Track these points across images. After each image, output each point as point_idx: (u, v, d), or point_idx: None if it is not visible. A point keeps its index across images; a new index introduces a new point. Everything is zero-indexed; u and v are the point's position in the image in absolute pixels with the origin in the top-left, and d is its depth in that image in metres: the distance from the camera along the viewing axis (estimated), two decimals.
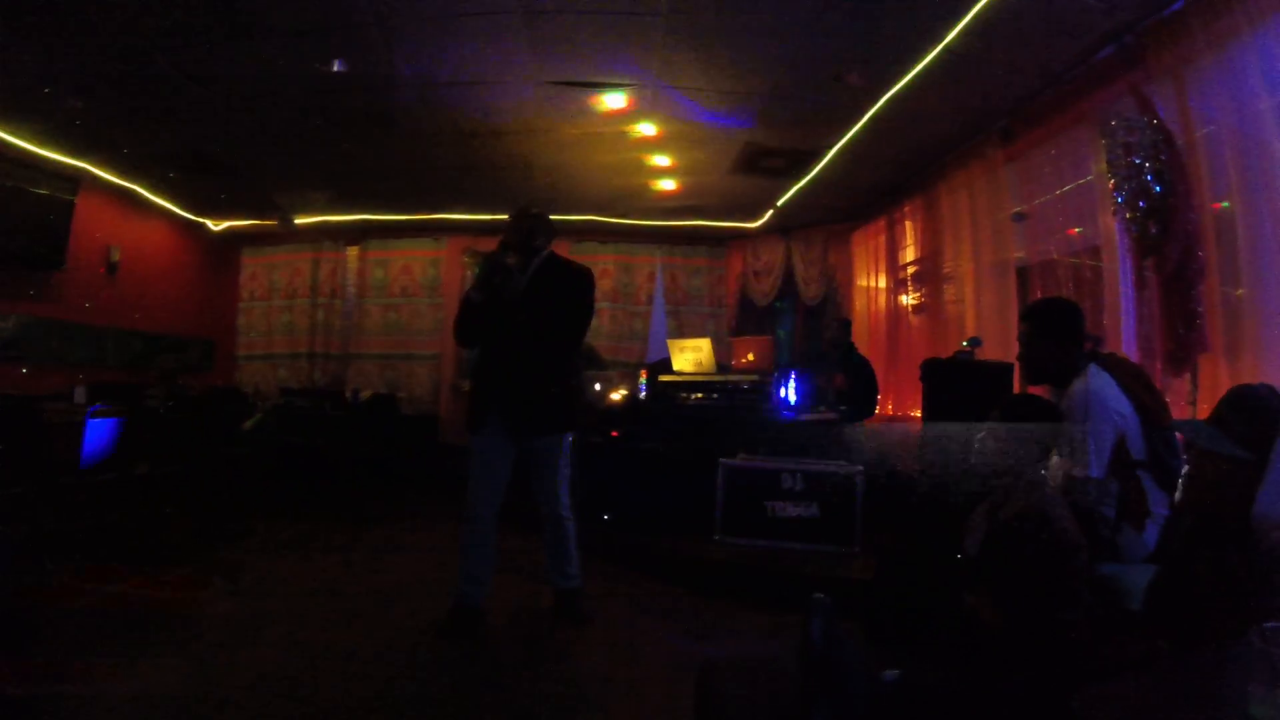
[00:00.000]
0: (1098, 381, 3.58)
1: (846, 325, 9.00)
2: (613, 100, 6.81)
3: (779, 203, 9.91)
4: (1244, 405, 2.46)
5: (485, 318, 4.92)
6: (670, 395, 8.01)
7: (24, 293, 8.52)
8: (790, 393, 7.33)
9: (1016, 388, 5.21)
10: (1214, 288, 4.53)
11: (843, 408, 7.53)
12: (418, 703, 3.81)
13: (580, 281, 5.10)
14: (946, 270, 7.91)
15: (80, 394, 7.15)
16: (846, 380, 8.08)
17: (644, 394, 8.50)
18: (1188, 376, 4.66)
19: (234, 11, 5.39)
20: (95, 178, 9.05)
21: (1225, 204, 4.55)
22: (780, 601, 5.24)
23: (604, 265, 11.70)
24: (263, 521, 7.67)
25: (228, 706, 3.65)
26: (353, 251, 12.04)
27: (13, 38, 5.69)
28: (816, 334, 10.94)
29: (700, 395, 7.81)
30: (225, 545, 6.83)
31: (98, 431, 6.03)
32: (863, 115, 6.85)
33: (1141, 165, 4.74)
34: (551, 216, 5.22)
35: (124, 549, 6.19)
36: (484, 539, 4.88)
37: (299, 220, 11.24)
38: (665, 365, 8.61)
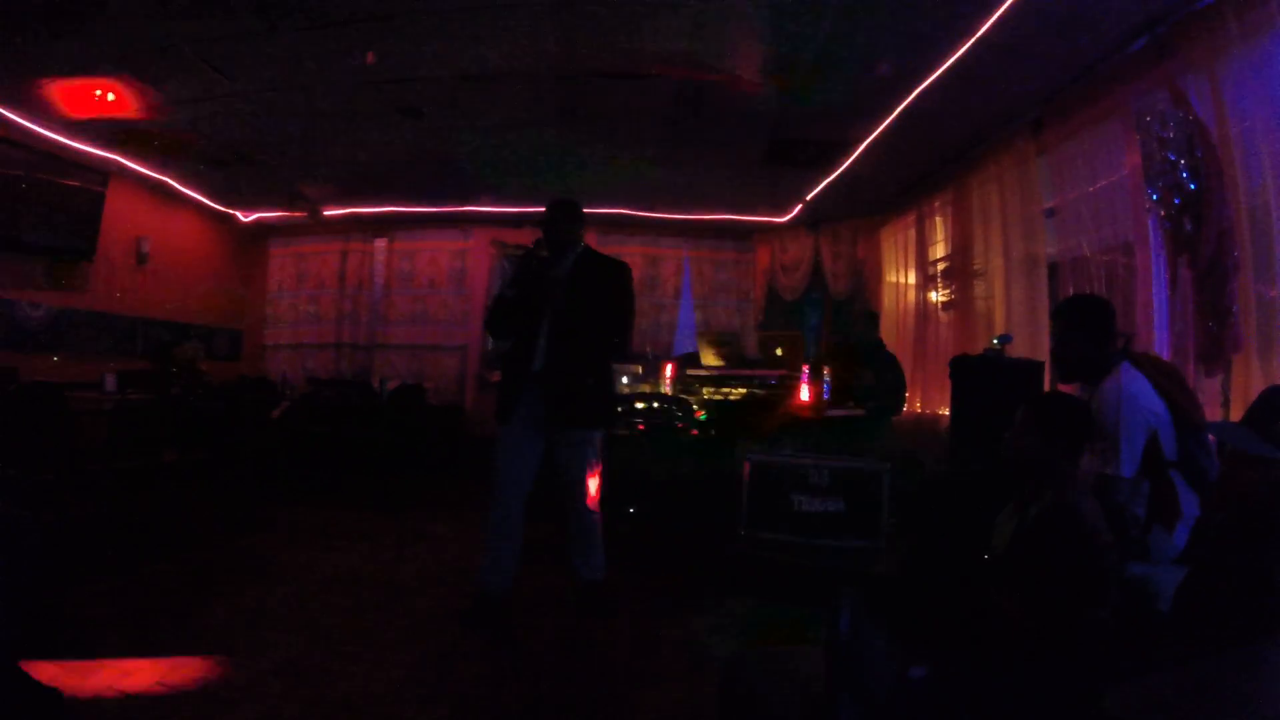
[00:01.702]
0: (1130, 380, 3.54)
1: (874, 318, 8.95)
2: (641, 90, 6.80)
3: (808, 196, 9.86)
4: (1278, 406, 2.42)
5: (519, 312, 4.95)
6: (697, 388, 8.00)
7: (55, 283, 8.60)
8: (817, 387, 7.32)
9: (1047, 385, 5.17)
10: (1248, 285, 4.47)
11: (870, 403, 7.49)
12: (438, 693, 3.83)
13: (621, 277, 5.15)
14: (976, 266, 7.85)
15: (110, 382, 7.21)
16: (873, 375, 8.03)
17: (670, 387, 8.50)
18: (1220, 376, 4.60)
19: (264, 3, 5.41)
20: (125, 169, 9.12)
21: None
22: (805, 597, 5.23)
23: (631, 257, 11.61)
24: (288, 510, 7.74)
25: (249, 694, 3.67)
26: (380, 243, 12.09)
27: (43, 29, 5.73)
28: (844, 328, 10.88)
29: (727, 389, 7.80)
30: (251, 533, 6.88)
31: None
32: (894, 107, 6.80)
33: (1176, 160, 4.68)
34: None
35: (150, 536, 6.26)
36: (509, 529, 4.89)
37: (327, 212, 11.30)
38: (693, 358, 8.60)
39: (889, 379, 8.09)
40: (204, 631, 4.45)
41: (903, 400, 8.38)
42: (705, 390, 8.23)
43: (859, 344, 8.53)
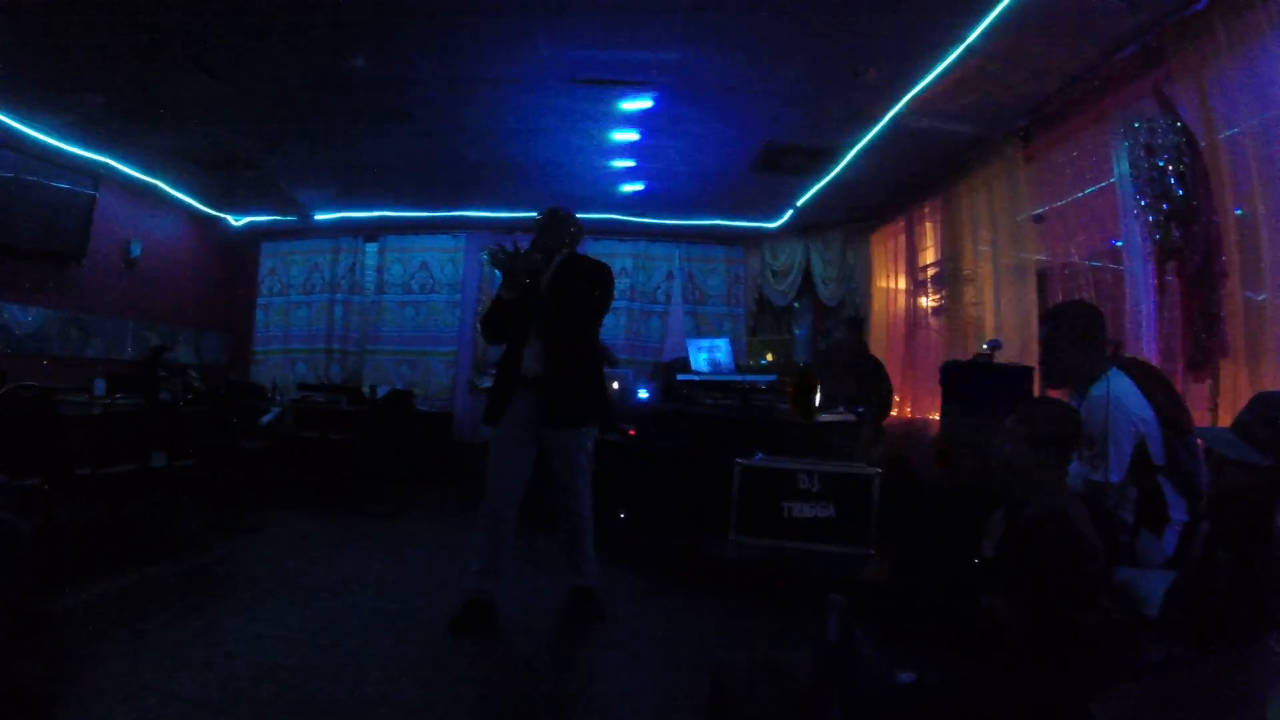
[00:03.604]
0: (1119, 385, 3.56)
1: (857, 323, 8.95)
2: (633, 97, 6.81)
3: (798, 202, 9.87)
4: (1268, 412, 2.44)
5: (515, 315, 4.96)
6: (687, 394, 7.99)
7: (45, 286, 8.58)
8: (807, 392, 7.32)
9: (1036, 391, 5.19)
10: (1236, 292, 4.49)
11: (860, 409, 7.50)
12: (427, 699, 3.81)
13: (600, 274, 5.14)
14: (966, 272, 7.86)
15: (100, 387, 7.19)
16: (854, 382, 8.03)
17: (660, 393, 8.48)
18: (1208, 381, 4.62)
19: (254, 6, 5.41)
20: (116, 172, 9.10)
21: (1239, 211, 4.53)
22: (795, 602, 5.24)
23: (622, 264, 11.70)
24: (277, 515, 7.72)
25: (239, 699, 3.66)
26: (371, 247, 12.08)
27: (34, 32, 5.73)
28: (829, 334, 10.87)
29: (717, 395, 7.79)
30: (239, 538, 6.87)
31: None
32: (883, 114, 6.82)
33: (1164, 168, 4.70)
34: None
35: (139, 541, 6.24)
36: (501, 533, 4.90)
37: (318, 216, 11.29)
38: (683, 364, 8.59)
39: (873, 384, 8.11)
40: (193, 636, 4.43)
41: (889, 405, 8.40)
42: (696, 395, 8.21)
43: (842, 349, 8.55)
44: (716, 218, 11.16)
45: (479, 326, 5.30)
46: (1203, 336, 4.57)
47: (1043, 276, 6.58)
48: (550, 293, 4.95)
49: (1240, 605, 2.25)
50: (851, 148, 7.77)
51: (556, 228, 5.11)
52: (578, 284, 4.98)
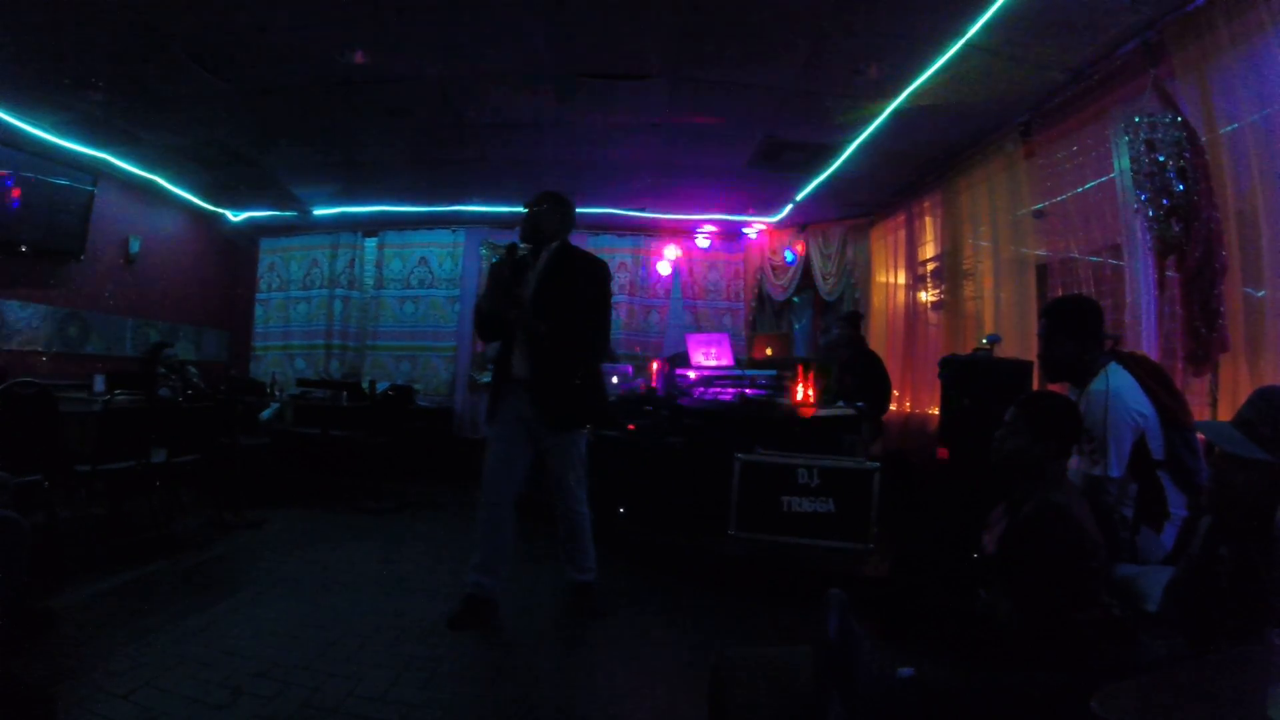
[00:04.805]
0: (1118, 380, 3.56)
1: (856, 318, 8.93)
2: (632, 92, 6.79)
3: (798, 197, 9.87)
4: (1269, 407, 2.43)
5: (497, 321, 4.93)
6: (687, 389, 7.98)
7: (44, 283, 8.57)
8: (807, 387, 7.32)
9: (1036, 385, 5.18)
10: (1236, 287, 4.49)
11: (859, 404, 7.49)
12: (426, 696, 3.80)
13: (594, 274, 5.07)
14: (966, 267, 7.86)
15: (99, 383, 7.19)
16: (854, 376, 8.02)
17: (659, 388, 8.47)
18: (1208, 377, 4.62)
19: (254, 3, 5.40)
20: (115, 169, 9.09)
21: None
22: (794, 598, 5.23)
23: (621, 258, 11.72)
24: (277, 512, 7.73)
25: (239, 696, 3.66)
26: (370, 243, 12.07)
27: (31, 28, 5.72)
28: (829, 328, 10.86)
29: (717, 389, 7.78)
30: (240, 535, 6.87)
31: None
32: (883, 109, 6.82)
33: (1165, 163, 4.69)
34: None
35: (139, 537, 6.25)
36: (498, 529, 4.88)
37: (317, 211, 11.27)
38: (682, 359, 8.58)
39: (872, 379, 8.10)
40: (194, 633, 4.43)
41: (888, 399, 8.39)
42: (695, 390, 8.21)
43: (840, 345, 8.54)
44: (716, 212, 11.12)
45: None
46: (1203, 332, 4.56)
47: (1043, 271, 6.57)
48: (537, 291, 4.90)
49: (1241, 601, 2.25)
50: (851, 143, 7.77)
51: (543, 213, 5.04)
52: (566, 285, 4.93)
